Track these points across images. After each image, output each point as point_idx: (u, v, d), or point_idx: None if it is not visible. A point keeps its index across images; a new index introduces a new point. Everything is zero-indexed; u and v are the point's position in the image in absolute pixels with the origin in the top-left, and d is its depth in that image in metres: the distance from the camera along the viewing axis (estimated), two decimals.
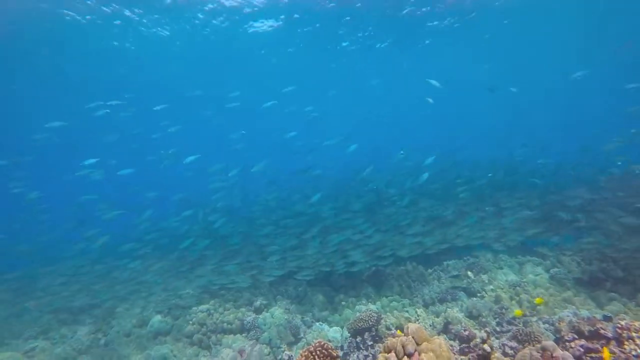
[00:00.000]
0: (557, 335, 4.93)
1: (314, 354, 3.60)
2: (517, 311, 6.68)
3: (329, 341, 7.51)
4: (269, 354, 7.59)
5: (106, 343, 8.10)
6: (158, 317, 8.50)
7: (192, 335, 7.89)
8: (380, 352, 3.48)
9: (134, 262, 8.76)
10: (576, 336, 4.43)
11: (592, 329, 4.47)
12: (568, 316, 6.43)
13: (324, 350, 3.60)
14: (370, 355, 6.13)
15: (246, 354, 5.79)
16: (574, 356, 3.23)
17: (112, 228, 11.95)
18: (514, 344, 5.18)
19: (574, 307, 6.86)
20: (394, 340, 3.44)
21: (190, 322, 8.18)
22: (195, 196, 13.54)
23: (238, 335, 7.63)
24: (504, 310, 7.23)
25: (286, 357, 5.66)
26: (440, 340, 3.35)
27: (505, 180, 11.07)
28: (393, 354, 3.29)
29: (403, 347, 3.27)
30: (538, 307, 6.92)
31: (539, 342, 4.99)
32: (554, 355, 3.20)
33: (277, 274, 8.39)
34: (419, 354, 3.23)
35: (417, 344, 3.33)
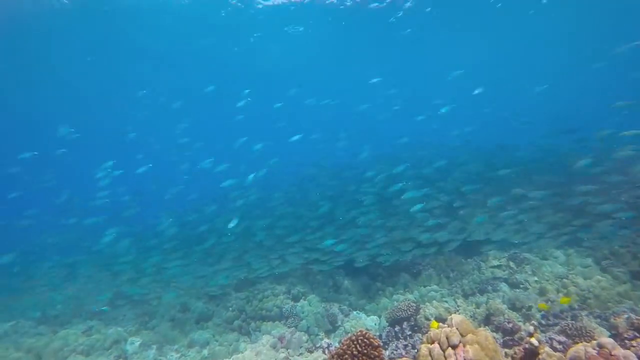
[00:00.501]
0: (613, 332, 4.64)
1: (355, 342, 3.60)
2: (542, 304, 6.37)
3: (367, 330, 7.54)
4: (307, 341, 7.73)
5: (153, 326, 8.56)
6: (200, 303, 8.86)
7: (232, 321, 8.17)
8: (423, 343, 3.43)
9: (175, 254, 9.10)
10: (637, 334, 4.14)
11: None
12: (624, 312, 6.04)
13: (365, 340, 3.59)
14: (410, 344, 6.08)
15: (286, 340, 5.92)
16: (638, 356, 3.01)
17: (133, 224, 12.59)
18: (562, 338, 4.95)
19: (630, 302, 6.43)
20: (437, 330, 3.37)
21: (230, 308, 8.47)
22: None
23: (277, 322, 7.80)
24: (549, 303, 6.91)
25: (325, 345, 5.72)
26: (487, 333, 3.25)
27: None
28: (437, 344, 3.23)
29: (447, 338, 3.20)
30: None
31: (592, 337, 4.73)
32: (613, 353, 3.01)
33: (338, 263, 8.35)
34: (464, 346, 3.15)
35: (462, 336, 3.25)
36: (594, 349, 3.18)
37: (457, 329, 3.27)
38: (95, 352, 7.51)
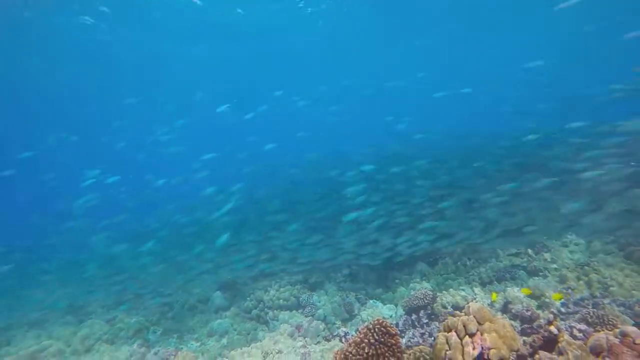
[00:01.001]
0: (637, 321, 4.53)
1: (372, 330, 3.63)
2: (556, 295, 6.24)
3: (384, 318, 7.57)
4: (324, 330, 7.82)
5: (173, 316, 8.80)
6: (218, 293, 9.04)
7: (250, 310, 8.32)
8: (440, 331, 3.43)
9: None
10: None
11: None
12: None
13: (382, 328, 3.61)
14: (427, 332, 6.08)
15: (303, 329, 6.00)
16: None
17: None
18: (583, 326, 4.86)
19: None
20: (454, 319, 3.36)
21: (248, 298, 8.62)
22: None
23: (294, 311, 7.91)
24: (570, 291, 6.79)
25: (342, 334, 5.78)
26: (504, 321, 3.22)
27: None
28: (454, 332, 3.22)
29: (464, 326, 3.19)
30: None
31: (615, 326, 4.64)
32: (637, 342, 2.94)
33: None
34: (482, 334, 3.13)
35: (480, 324, 3.23)
36: (617, 337, 3.12)
37: (474, 317, 3.25)
38: (119, 341, 7.79)
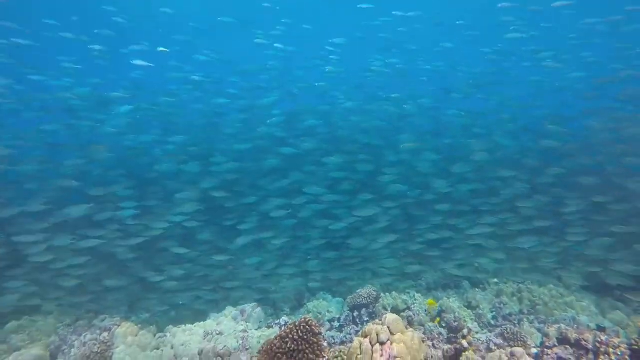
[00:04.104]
0: (544, 339, 5.02)
1: (298, 327, 3.90)
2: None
3: (328, 312, 7.95)
4: (272, 315, 8.14)
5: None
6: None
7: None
8: (357, 336, 3.75)
9: None
10: (556, 343, 4.51)
11: (578, 337, 4.52)
12: (565, 320, 6.46)
13: (307, 326, 3.89)
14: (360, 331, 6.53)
15: (246, 314, 6.29)
16: None
17: None
18: (499, 341, 5.32)
19: (574, 311, 6.85)
20: (371, 326, 3.68)
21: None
22: None
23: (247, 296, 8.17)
24: (502, 305, 7.33)
25: (282, 322, 6.10)
26: (414, 334, 3.56)
27: None
28: (367, 339, 3.53)
29: (377, 335, 3.50)
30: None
31: (525, 343, 5.11)
32: None
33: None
34: (392, 343, 3.46)
35: (392, 334, 3.55)
36: (507, 356, 3.51)
37: (388, 327, 3.56)
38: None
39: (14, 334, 6.31)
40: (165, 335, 5.62)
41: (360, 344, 3.53)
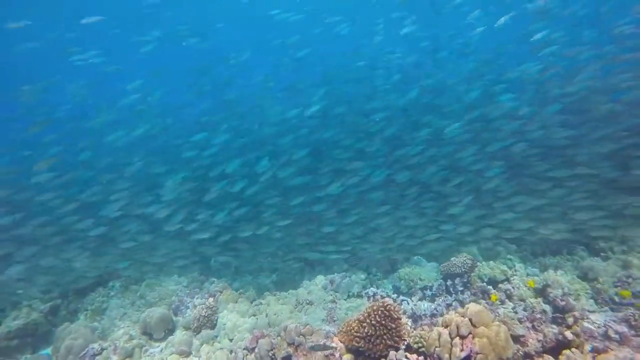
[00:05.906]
0: None
1: (376, 312, 3.88)
2: (624, 292, 5.69)
3: (420, 279, 7.77)
4: (365, 279, 8.26)
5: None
6: None
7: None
8: (438, 326, 3.58)
9: None
10: None
11: None
12: None
13: (385, 311, 3.84)
14: (458, 300, 6.27)
15: (335, 284, 6.53)
16: None
17: None
18: (622, 328, 4.55)
19: None
20: (451, 316, 3.47)
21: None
22: None
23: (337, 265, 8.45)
24: (630, 280, 6.20)
25: (371, 293, 6.21)
26: (500, 328, 3.24)
27: None
28: (447, 330, 3.35)
29: (457, 327, 3.29)
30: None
31: None
32: None
33: None
34: (473, 337, 3.22)
35: (474, 327, 3.30)
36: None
37: (470, 319, 3.31)
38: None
39: (149, 290, 7.72)
40: (261, 303, 6.23)
41: (440, 335, 3.37)
